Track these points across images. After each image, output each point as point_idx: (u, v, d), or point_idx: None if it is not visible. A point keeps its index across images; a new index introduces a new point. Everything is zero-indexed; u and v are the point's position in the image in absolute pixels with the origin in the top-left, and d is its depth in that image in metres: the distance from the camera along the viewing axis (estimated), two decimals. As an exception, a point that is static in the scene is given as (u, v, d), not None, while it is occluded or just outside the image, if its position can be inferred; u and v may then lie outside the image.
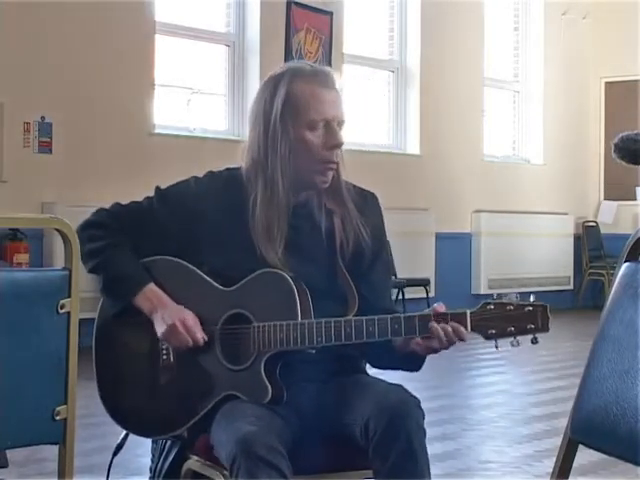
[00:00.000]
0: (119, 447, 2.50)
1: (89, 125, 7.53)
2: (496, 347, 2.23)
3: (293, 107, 2.35)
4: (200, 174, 2.47)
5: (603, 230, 11.72)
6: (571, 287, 11.67)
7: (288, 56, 8.78)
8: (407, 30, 10.09)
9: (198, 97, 8.58)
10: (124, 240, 2.41)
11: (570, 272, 11.64)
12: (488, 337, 2.22)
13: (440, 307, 2.26)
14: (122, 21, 7.68)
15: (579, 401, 2.09)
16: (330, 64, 9.12)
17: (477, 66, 10.68)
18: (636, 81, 11.49)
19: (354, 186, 2.48)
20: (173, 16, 8.31)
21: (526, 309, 2.22)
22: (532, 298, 2.23)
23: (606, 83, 11.94)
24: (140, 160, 7.78)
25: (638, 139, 3.90)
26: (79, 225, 2.43)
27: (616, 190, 11.74)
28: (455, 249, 10.34)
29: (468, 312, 2.23)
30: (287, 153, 2.35)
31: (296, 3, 8.85)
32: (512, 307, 2.23)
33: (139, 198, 2.49)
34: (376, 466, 2.22)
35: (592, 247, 11.69)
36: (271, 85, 2.39)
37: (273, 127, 2.35)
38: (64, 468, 2.07)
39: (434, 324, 2.22)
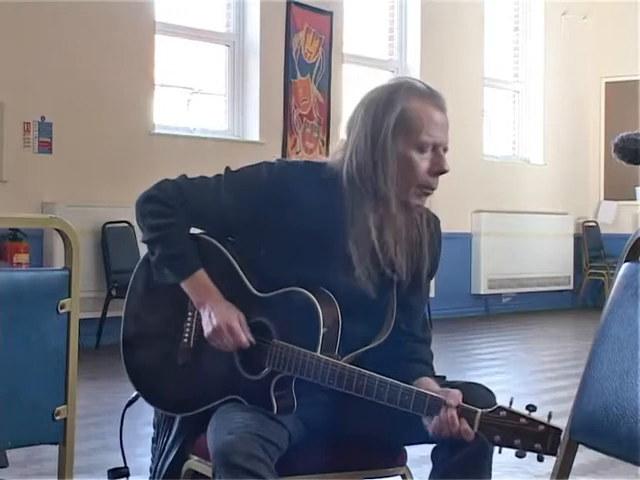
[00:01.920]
0: (130, 402, 2.48)
1: (89, 125, 7.53)
2: (499, 452, 2.15)
3: (407, 124, 2.27)
4: (272, 160, 2.38)
5: (603, 230, 11.72)
6: (571, 287, 11.67)
7: (288, 56, 8.79)
8: (407, 30, 10.09)
9: (198, 97, 8.58)
10: (185, 219, 2.36)
11: (570, 272, 11.64)
12: (492, 442, 2.13)
13: (455, 397, 2.16)
14: (122, 21, 7.68)
15: (579, 401, 2.09)
16: (330, 64, 9.13)
17: (477, 66, 10.68)
18: (636, 81, 11.49)
19: (427, 210, 2.41)
20: (173, 16, 8.31)
21: (539, 427, 2.09)
22: (550, 415, 2.10)
23: (606, 83, 11.94)
24: (140, 160, 7.78)
25: (638, 139, 3.91)
26: (141, 196, 2.38)
27: (616, 190, 11.74)
28: (455, 249, 10.32)
29: (479, 412, 2.13)
30: (395, 171, 2.28)
31: (296, 3, 8.85)
32: (525, 421, 2.10)
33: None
34: (442, 458, 2.22)
35: (592, 247, 11.69)
36: (385, 96, 2.30)
37: (383, 142, 2.27)
38: (64, 468, 2.07)
39: (443, 414, 2.14)
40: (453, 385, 2.27)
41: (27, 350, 2.00)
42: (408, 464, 2.41)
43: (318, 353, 2.24)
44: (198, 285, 2.35)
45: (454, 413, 2.13)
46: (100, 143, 7.58)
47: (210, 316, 2.32)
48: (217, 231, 2.40)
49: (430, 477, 2.27)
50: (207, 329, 2.32)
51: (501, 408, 2.12)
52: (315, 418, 2.32)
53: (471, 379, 2.31)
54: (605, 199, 11.99)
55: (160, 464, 2.42)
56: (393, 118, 2.27)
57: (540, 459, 2.11)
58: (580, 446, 2.10)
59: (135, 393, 2.46)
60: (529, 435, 2.08)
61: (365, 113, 2.31)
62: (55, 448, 2.08)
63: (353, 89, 9.67)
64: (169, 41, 8.29)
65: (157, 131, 7.99)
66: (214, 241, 2.39)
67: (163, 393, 2.43)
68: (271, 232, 2.33)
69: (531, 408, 2.10)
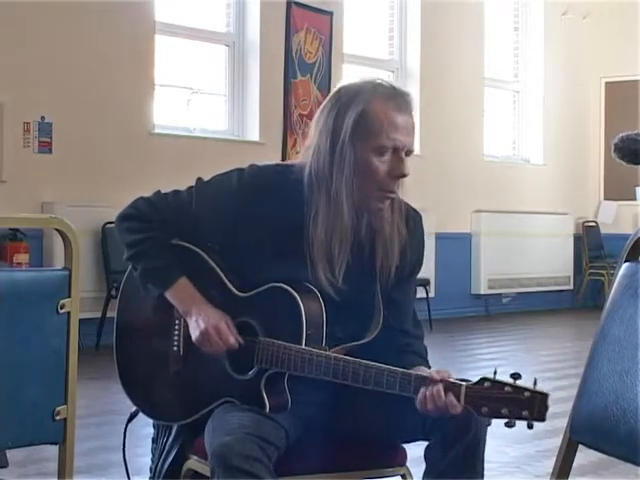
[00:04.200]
0: (132, 416, 2.50)
1: (89, 125, 7.53)
2: (489, 423, 2.16)
3: (365, 126, 2.25)
4: (244, 166, 2.39)
5: (603, 230, 11.71)
6: (571, 287, 11.67)
7: (288, 56, 8.79)
8: (407, 30, 10.09)
9: (198, 97, 8.58)
10: (161, 232, 2.40)
11: (570, 272, 11.64)
12: (480, 414, 2.12)
13: (440, 373, 2.18)
14: (122, 21, 7.68)
15: (579, 401, 2.09)
16: (330, 64, 9.13)
17: (477, 66, 10.68)
18: (636, 81, 11.49)
19: (405, 204, 2.40)
20: (173, 16, 8.30)
21: (524, 394, 2.09)
22: (536, 381, 2.11)
23: (606, 83, 11.94)
24: (140, 160, 7.78)
25: (638, 139, 3.90)
26: (118, 216, 2.44)
27: (616, 190, 11.74)
28: (455, 249, 10.33)
29: (464, 385, 2.14)
30: (352, 174, 2.27)
31: (296, 3, 8.85)
32: (510, 389, 2.10)
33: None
34: (435, 458, 2.23)
35: (592, 247, 11.69)
36: (348, 97, 2.29)
37: (341, 145, 2.27)
38: (64, 468, 2.07)
39: (424, 391, 2.15)
40: None
41: (27, 350, 2.00)
42: (408, 464, 2.41)
43: (303, 345, 2.25)
44: (182, 293, 2.37)
45: (440, 387, 2.14)
46: (100, 143, 7.58)
47: (197, 321, 2.33)
48: (195, 240, 2.42)
49: (424, 476, 2.28)
50: (195, 334, 2.33)
51: (485, 379, 2.12)
52: (311, 416, 2.33)
53: (471, 379, 2.31)
54: (605, 199, 11.99)
55: (160, 464, 2.43)
56: (352, 120, 2.26)
57: (530, 426, 2.10)
58: (580, 446, 2.10)
59: (135, 408, 2.48)
60: (516, 403, 2.09)
61: (329, 111, 2.31)
62: (55, 448, 2.08)
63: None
64: (169, 41, 8.29)
65: (157, 131, 7.99)
66: (193, 247, 2.42)
67: (161, 405, 2.44)
68: (247, 236, 2.35)
69: (516, 376, 2.10)
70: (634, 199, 11.45)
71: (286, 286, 2.29)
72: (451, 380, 2.16)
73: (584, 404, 2.07)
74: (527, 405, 2.08)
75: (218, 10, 8.70)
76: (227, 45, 8.71)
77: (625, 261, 2.10)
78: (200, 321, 2.32)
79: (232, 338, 2.31)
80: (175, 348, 2.40)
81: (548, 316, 10.72)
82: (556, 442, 2.25)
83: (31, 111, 7.25)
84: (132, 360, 2.48)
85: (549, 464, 2.19)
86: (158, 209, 2.40)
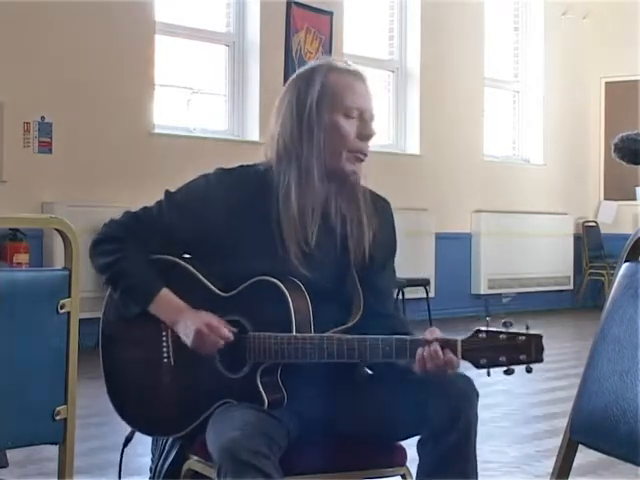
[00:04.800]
0: (128, 440, 2.50)
1: (89, 125, 7.53)
2: (488, 374, 2.18)
3: (330, 95, 2.36)
4: (210, 171, 2.43)
5: (603, 230, 11.71)
6: (571, 287, 11.67)
7: (288, 56, 8.78)
8: (407, 30, 10.08)
9: (198, 97, 8.58)
10: (135, 249, 2.39)
11: (570, 272, 11.64)
12: (479, 366, 2.16)
13: (432, 332, 2.23)
14: (122, 21, 7.68)
15: (579, 401, 2.09)
16: (330, 64, 9.12)
17: (477, 66, 10.68)
18: (636, 81, 11.49)
19: (370, 191, 2.47)
20: (173, 16, 8.30)
21: (519, 339, 2.14)
22: (528, 326, 2.15)
23: (606, 83, 11.94)
24: (140, 160, 7.78)
25: (638, 139, 3.90)
26: (92, 241, 2.43)
27: (616, 190, 11.74)
28: (455, 249, 10.33)
29: (459, 340, 2.19)
30: (322, 139, 2.35)
31: (296, 3, 8.85)
32: (504, 337, 2.15)
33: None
34: (427, 450, 2.23)
35: (592, 247, 11.69)
36: (305, 77, 2.42)
37: (309, 114, 2.36)
38: (64, 468, 2.07)
39: (421, 351, 2.19)
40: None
41: (27, 350, 2.00)
42: (408, 464, 2.41)
43: (294, 333, 2.26)
44: (165, 305, 2.37)
45: (437, 347, 2.18)
46: (100, 143, 7.58)
47: (186, 325, 2.33)
48: (171, 251, 2.42)
49: (418, 470, 2.28)
50: (189, 339, 2.32)
51: (479, 331, 2.18)
52: (308, 412, 2.32)
53: (472, 379, 2.31)
54: (605, 199, 11.99)
55: (160, 464, 2.43)
56: (316, 92, 2.37)
57: (528, 370, 2.15)
58: (580, 446, 2.10)
59: (129, 431, 2.47)
60: (512, 349, 2.14)
61: (289, 97, 2.43)
62: (55, 448, 2.08)
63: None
64: (169, 41, 8.29)
65: (157, 131, 7.99)
66: (171, 258, 2.41)
67: (159, 420, 2.42)
68: (221, 236, 2.36)
69: (508, 323, 2.15)
70: (634, 199, 11.45)
71: (268, 277, 2.30)
72: (446, 337, 2.20)
73: (584, 404, 2.06)
74: (524, 349, 2.14)
75: (218, 10, 8.70)
76: (227, 45, 8.71)
77: (625, 261, 2.10)
78: (190, 325, 2.32)
79: (226, 330, 2.31)
80: (165, 360, 2.39)
81: (548, 316, 10.72)
82: (556, 442, 2.25)
83: (31, 111, 7.25)
84: (124, 383, 2.46)
85: (549, 464, 2.19)
86: (129, 228, 2.41)
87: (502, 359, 2.14)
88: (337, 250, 2.40)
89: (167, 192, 2.44)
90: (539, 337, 2.14)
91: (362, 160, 2.40)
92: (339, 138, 2.36)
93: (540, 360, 2.15)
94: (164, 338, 2.40)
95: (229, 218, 2.36)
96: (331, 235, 2.40)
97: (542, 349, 2.15)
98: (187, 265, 2.40)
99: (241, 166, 2.46)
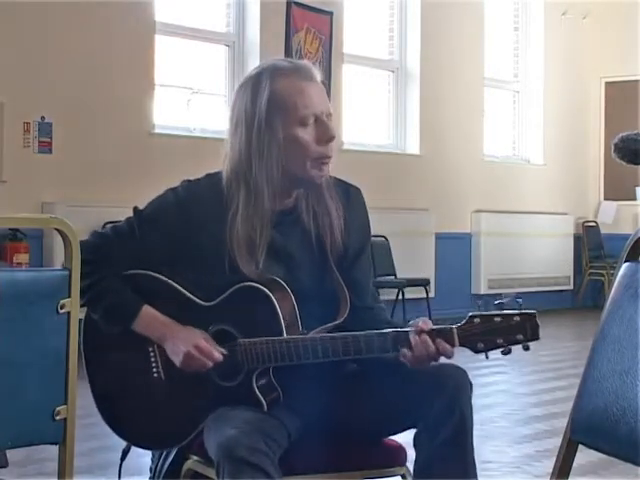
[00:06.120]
0: (125, 452, 2.49)
1: (89, 125, 7.53)
2: (486, 357, 2.20)
3: (279, 106, 2.28)
4: (176, 184, 2.41)
5: (603, 230, 11.72)
6: (571, 287, 11.67)
7: (288, 56, 8.78)
8: (407, 30, 10.08)
9: (198, 97, 8.58)
10: (109, 270, 2.37)
11: (570, 272, 11.64)
12: (477, 351, 2.18)
13: (425, 324, 2.22)
14: (122, 21, 7.68)
15: (579, 401, 2.09)
16: (330, 64, 9.13)
17: (477, 66, 10.68)
18: (636, 81, 11.49)
19: (338, 180, 2.43)
20: (173, 16, 8.30)
21: (514, 319, 2.16)
22: (521, 304, 2.17)
23: (606, 83, 11.93)
24: (140, 160, 7.78)
25: (638, 139, 3.90)
26: None
27: (616, 190, 11.74)
28: (455, 249, 10.33)
29: (455, 328, 2.18)
30: (275, 156, 2.28)
31: (296, 3, 8.85)
32: (499, 319, 2.16)
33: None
34: (424, 443, 2.23)
35: (592, 247, 11.69)
36: (250, 86, 2.32)
37: (258, 130, 2.29)
38: (64, 468, 2.06)
39: (417, 338, 2.19)
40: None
41: (27, 350, 2.00)
42: (408, 464, 2.41)
43: (284, 336, 2.25)
44: (150, 322, 2.34)
45: (426, 336, 2.18)
46: (100, 143, 7.58)
47: (175, 345, 2.31)
48: (146, 266, 2.39)
49: (415, 463, 2.27)
50: (178, 360, 2.30)
51: (473, 316, 2.18)
52: (306, 408, 2.32)
53: (471, 379, 2.31)
54: (605, 199, 11.99)
55: (160, 464, 2.42)
56: (263, 104, 2.28)
57: (526, 348, 2.17)
58: (580, 446, 2.10)
59: (126, 444, 2.46)
60: (508, 330, 2.16)
61: (237, 110, 2.33)
62: (55, 448, 2.08)
63: (353, 89, 9.67)
64: (169, 41, 8.29)
65: (157, 131, 7.99)
66: (149, 272, 2.39)
67: (156, 435, 2.40)
68: (194, 247, 2.34)
69: (500, 305, 2.16)
70: (634, 199, 11.45)
71: (250, 283, 2.28)
72: (440, 327, 2.20)
73: (584, 404, 2.06)
74: (520, 328, 2.16)
75: (218, 10, 8.70)
76: (227, 45, 8.71)
77: (625, 261, 2.10)
78: (179, 345, 2.29)
79: (215, 352, 2.28)
80: (156, 375, 2.37)
81: (548, 316, 10.71)
82: (556, 442, 2.25)
83: (31, 111, 7.25)
84: (118, 405, 2.43)
85: (549, 464, 2.19)
86: (100, 248, 2.38)
87: (499, 341, 2.17)
88: (314, 249, 2.37)
89: (136, 209, 2.42)
90: (533, 315, 2.16)
91: (327, 163, 2.33)
92: (299, 150, 2.29)
93: (537, 338, 2.17)
94: (152, 354, 2.37)
95: (200, 229, 2.33)
96: (307, 235, 2.37)
97: (537, 326, 2.17)
98: (165, 278, 2.38)
99: (207, 175, 2.42)
